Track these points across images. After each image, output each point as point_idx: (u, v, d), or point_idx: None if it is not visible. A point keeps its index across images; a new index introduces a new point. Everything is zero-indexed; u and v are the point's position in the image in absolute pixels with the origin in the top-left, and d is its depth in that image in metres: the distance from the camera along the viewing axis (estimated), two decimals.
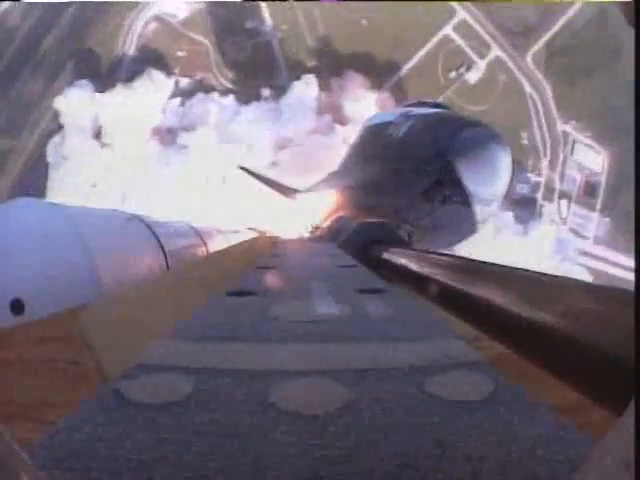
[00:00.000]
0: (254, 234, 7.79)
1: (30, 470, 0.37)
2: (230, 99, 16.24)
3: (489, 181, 4.99)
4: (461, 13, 17.97)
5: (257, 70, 16.59)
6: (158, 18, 16.06)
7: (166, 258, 3.26)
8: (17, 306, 2.08)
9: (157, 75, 16.07)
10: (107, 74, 16.69)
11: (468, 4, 17.81)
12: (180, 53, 15.99)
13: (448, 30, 18.23)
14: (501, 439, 0.51)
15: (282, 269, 1.94)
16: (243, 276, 1.65)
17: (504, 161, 4.99)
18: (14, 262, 2.24)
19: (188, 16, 15.91)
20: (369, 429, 0.53)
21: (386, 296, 1.28)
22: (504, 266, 1.52)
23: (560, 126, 17.97)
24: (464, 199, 5.06)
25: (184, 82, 16.19)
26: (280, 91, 16.59)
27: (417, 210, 5.34)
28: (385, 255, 3.05)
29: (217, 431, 0.53)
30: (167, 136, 15.80)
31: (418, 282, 1.95)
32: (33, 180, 16.63)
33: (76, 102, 16.21)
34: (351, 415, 0.57)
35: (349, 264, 2.07)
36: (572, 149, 18.50)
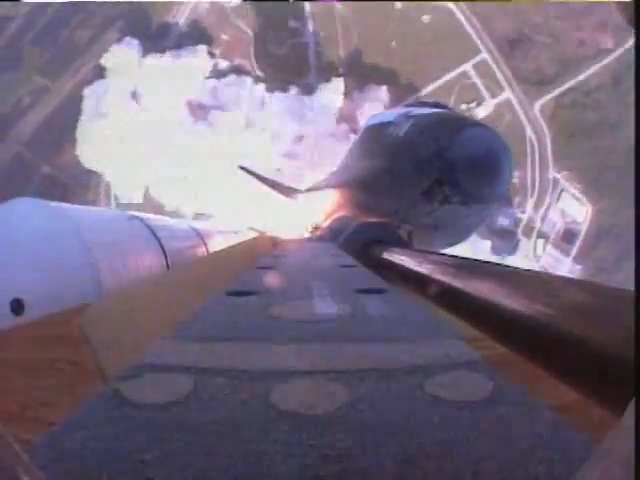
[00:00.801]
0: (254, 234, 7.79)
1: (30, 470, 0.37)
2: (261, 88, 17.21)
3: (489, 181, 4.98)
4: (483, 54, 18.69)
5: (290, 67, 17.57)
6: None
7: (166, 258, 3.26)
8: (17, 306, 2.08)
9: (201, 51, 16.91)
10: (155, 38, 17.36)
11: (491, 47, 18.17)
12: (224, 36, 17.14)
13: (468, 67, 19.10)
14: (501, 439, 0.51)
15: (282, 269, 1.94)
16: (243, 276, 1.65)
17: (504, 161, 4.99)
18: (14, 262, 2.24)
19: (239, 5, 17.08)
20: (369, 429, 0.53)
21: (386, 296, 1.28)
22: (504, 266, 1.52)
23: (552, 173, 18.55)
24: (464, 199, 5.05)
25: (223, 64, 17.22)
26: (308, 90, 17.54)
27: (417, 210, 5.33)
28: (385, 255, 3.05)
29: (217, 431, 0.53)
30: (198, 111, 16.48)
31: (418, 282, 1.95)
32: (62, 122, 16.97)
33: (121, 59, 16.83)
34: (351, 415, 0.57)
35: (349, 264, 2.07)
36: (559, 196, 19.11)
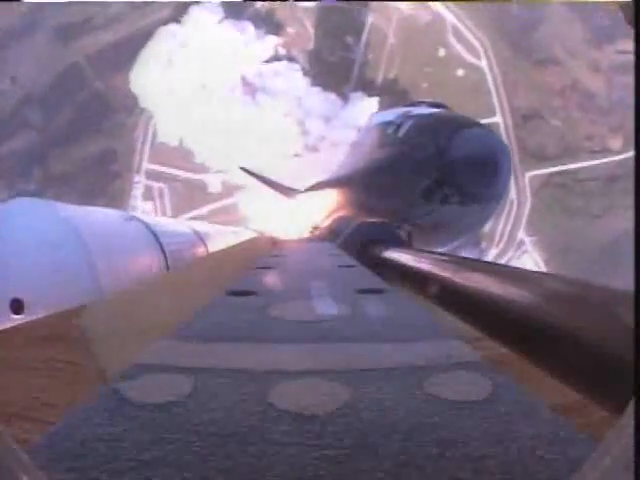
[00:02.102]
0: (254, 234, 7.79)
1: (30, 470, 0.37)
2: (305, 82, 18.31)
3: (488, 181, 4.99)
4: (497, 118, 18.74)
5: (335, 74, 18.67)
6: None
7: (166, 258, 3.26)
8: (17, 306, 2.08)
9: (268, 38, 18.14)
10: (236, 10, 18.23)
11: (507, 113, 18.52)
12: (290, 29, 18.56)
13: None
14: (501, 439, 0.51)
15: (282, 269, 1.94)
16: (243, 276, 1.65)
17: (503, 161, 4.99)
18: (14, 262, 2.24)
19: (311, 6, 18.58)
20: (369, 429, 0.53)
21: (386, 296, 1.28)
22: (504, 266, 1.52)
23: (522, 234, 18.65)
24: (464, 199, 5.06)
25: (281, 51, 18.54)
26: (344, 98, 18.56)
27: (417, 210, 5.34)
28: (385, 255, 3.05)
29: (217, 431, 0.53)
30: (247, 88, 17.60)
31: (418, 282, 1.95)
32: (127, 50, 17.57)
33: (199, 16, 17.69)
34: (351, 415, 0.56)
35: (349, 264, 2.07)
36: (520, 256, 19.14)
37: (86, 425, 0.53)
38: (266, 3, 18.28)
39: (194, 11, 17.58)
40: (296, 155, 17.14)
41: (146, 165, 17.09)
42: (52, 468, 0.45)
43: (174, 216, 15.93)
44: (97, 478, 0.44)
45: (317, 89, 18.25)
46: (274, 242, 5.00)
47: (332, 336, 0.91)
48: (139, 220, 3.46)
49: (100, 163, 17.55)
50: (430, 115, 5.76)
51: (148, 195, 17.08)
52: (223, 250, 4.07)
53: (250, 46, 17.78)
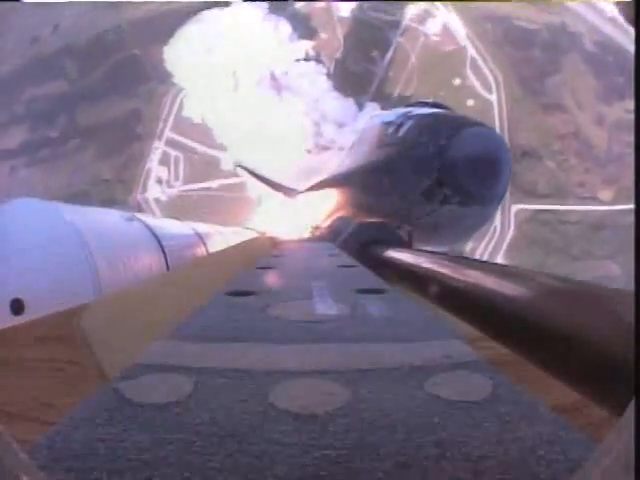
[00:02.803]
0: (254, 234, 7.79)
1: (30, 470, 0.37)
2: (327, 87, 19.05)
3: (489, 181, 4.98)
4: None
5: (357, 83, 19.46)
6: None
7: (166, 258, 3.26)
8: (17, 306, 2.08)
9: (302, 40, 19.03)
10: (279, 9, 19.02)
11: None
12: (323, 35, 19.45)
13: None
14: (501, 439, 0.51)
15: (282, 269, 1.94)
16: (243, 276, 1.65)
17: (503, 161, 4.99)
18: (14, 262, 2.24)
19: (346, 16, 19.56)
20: (369, 429, 0.53)
21: (386, 296, 1.28)
22: (504, 266, 1.52)
23: (500, 259, 18.98)
24: (464, 199, 5.06)
25: (311, 53, 19.30)
26: (360, 107, 19.28)
27: (417, 210, 5.34)
28: (385, 255, 3.05)
29: (217, 431, 0.53)
30: (274, 83, 18.31)
31: (418, 282, 1.95)
32: (168, 24, 18.13)
33: (245, 9, 18.47)
34: (351, 415, 0.57)
35: (349, 264, 2.07)
36: None
37: (86, 425, 0.53)
38: (306, 6, 19.12)
39: (238, 2, 18.39)
40: (308, 151, 17.95)
41: (168, 134, 17.85)
42: (52, 468, 0.45)
43: (186, 183, 17.01)
44: (97, 478, 0.44)
45: (337, 94, 19.04)
46: (274, 242, 5.00)
47: (332, 336, 0.91)
48: (139, 220, 3.46)
49: (124, 123, 18.14)
50: (430, 115, 5.76)
51: (164, 161, 17.83)
52: (223, 250, 4.07)
53: (284, 45, 18.64)
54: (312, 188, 10.52)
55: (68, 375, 0.96)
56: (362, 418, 0.56)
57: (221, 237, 5.50)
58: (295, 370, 0.72)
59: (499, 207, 6.01)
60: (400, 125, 5.68)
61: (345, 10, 19.43)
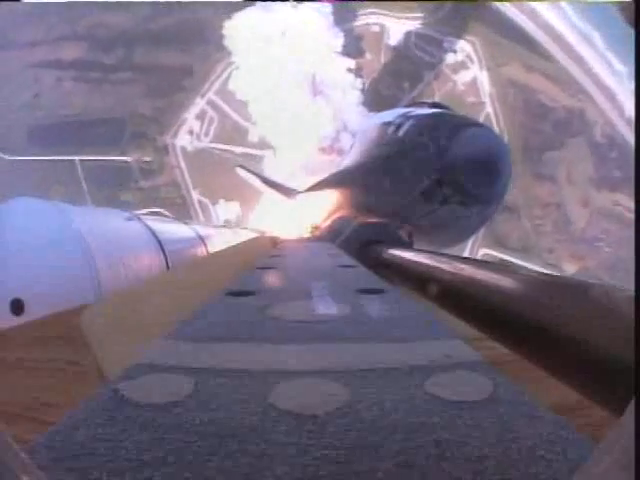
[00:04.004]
0: (254, 234, 7.79)
1: (30, 470, 0.37)
2: (356, 100, 20.22)
3: (489, 181, 4.98)
4: None
5: (382, 105, 20.37)
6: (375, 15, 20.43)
7: (166, 258, 3.26)
8: (17, 306, 2.08)
9: (348, 58, 20.12)
10: (332, 21, 20.06)
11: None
12: (368, 55, 20.78)
13: None
14: (501, 439, 0.51)
15: (282, 269, 1.94)
16: (243, 276, 1.65)
17: (503, 161, 4.98)
18: (14, 262, 2.24)
19: (393, 44, 20.78)
20: (369, 429, 0.53)
21: (386, 296, 1.28)
22: (504, 266, 1.52)
23: None
24: (464, 199, 5.05)
25: (351, 68, 20.27)
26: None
27: (417, 210, 5.33)
28: (385, 255, 3.05)
29: (217, 431, 0.53)
30: (313, 87, 19.57)
31: (418, 282, 1.95)
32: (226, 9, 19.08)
33: (308, 11, 19.45)
34: (351, 415, 0.57)
35: (349, 264, 2.07)
36: None
37: (86, 425, 0.53)
38: (361, 28, 20.36)
39: (308, 5, 19.45)
40: (322, 150, 19.28)
41: (210, 95, 19.39)
42: (52, 468, 0.45)
43: (213, 141, 18.78)
44: (97, 478, 0.44)
45: (362, 109, 20.16)
46: (274, 242, 5.00)
47: (332, 336, 0.91)
48: (139, 220, 3.46)
49: (175, 73, 19.47)
50: (430, 115, 5.75)
51: (200, 116, 19.49)
52: (223, 250, 4.07)
53: (333, 55, 20.04)
54: (312, 188, 10.52)
55: (68, 375, 0.96)
56: (362, 418, 0.56)
57: (221, 237, 5.50)
58: (295, 370, 0.72)
59: (499, 207, 6.01)
60: (400, 125, 5.67)
61: (394, 39, 20.94)
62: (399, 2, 20.00)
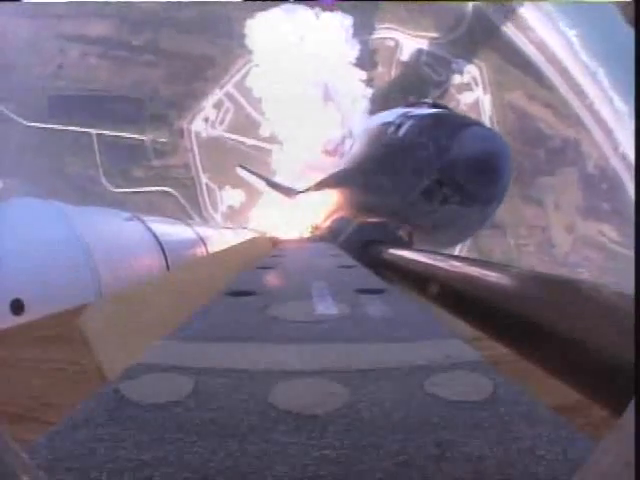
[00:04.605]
0: (254, 234, 7.79)
1: (30, 470, 0.37)
2: (364, 109, 21.03)
3: (489, 181, 4.98)
4: None
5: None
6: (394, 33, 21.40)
7: (166, 258, 3.26)
8: (17, 306, 2.08)
9: (361, 70, 20.84)
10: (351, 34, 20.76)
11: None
12: (380, 68, 21.63)
13: None
14: (501, 439, 0.51)
15: (282, 269, 1.94)
16: (243, 276, 1.65)
17: (503, 161, 4.98)
18: (14, 262, 2.24)
19: (405, 60, 21.66)
20: (369, 429, 0.53)
21: (386, 296, 1.28)
22: (504, 266, 1.51)
23: None
24: (464, 199, 5.05)
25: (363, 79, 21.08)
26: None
27: (417, 210, 5.33)
28: (385, 255, 3.05)
29: (217, 431, 0.53)
30: (325, 94, 20.57)
31: (418, 282, 1.95)
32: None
33: (329, 21, 20.30)
34: (351, 415, 0.57)
35: (349, 264, 2.07)
36: None
37: (86, 425, 0.53)
38: (377, 42, 21.11)
39: (330, 15, 20.32)
40: (326, 152, 20.07)
41: (228, 87, 20.42)
42: (52, 468, 0.45)
43: (226, 131, 19.87)
44: (97, 478, 0.44)
45: (368, 116, 20.76)
46: (274, 242, 5.00)
47: (332, 336, 0.91)
48: (139, 220, 3.46)
49: (198, 62, 20.28)
50: (430, 115, 5.75)
51: (217, 106, 20.58)
52: (223, 250, 4.06)
53: (347, 65, 20.88)
54: (312, 188, 10.52)
55: (68, 375, 0.96)
56: (362, 418, 0.56)
57: (221, 237, 5.50)
58: (295, 370, 0.72)
59: (499, 207, 6.01)
60: (400, 125, 5.67)
61: (406, 55, 21.88)
62: (414, 17, 20.79)
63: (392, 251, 2.98)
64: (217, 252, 4.13)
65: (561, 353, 0.87)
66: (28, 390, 0.88)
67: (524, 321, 1.02)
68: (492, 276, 1.34)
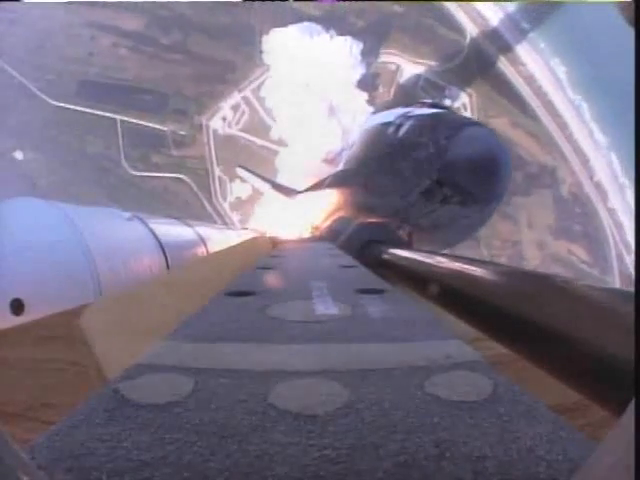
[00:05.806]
0: (254, 234, 7.79)
1: (30, 470, 0.37)
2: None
3: (488, 181, 4.98)
4: None
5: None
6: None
7: (166, 258, 3.26)
8: (17, 306, 2.08)
9: (363, 92, 21.94)
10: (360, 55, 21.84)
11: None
12: (381, 89, 22.55)
13: None
14: (501, 439, 0.51)
15: (282, 269, 1.94)
16: (243, 276, 1.65)
17: (503, 161, 4.99)
18: (14, 262, 2.24)
19: (403, 82, 22.48)
20: (369, 429, 0.53)
21: (386, 296, 1.28)
22: (504, 266, 1.51)
23: None
24: (464, 199, 5.06)
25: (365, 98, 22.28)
26: None
27: (417, 210, 5.34)
28: (385, 255, 3.05)
29: (217, 431, 0.53)
30: (329, 110, 21.81)
31: (418, 282, 1.95)
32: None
33: (341, 45, 21.43)
34: (351, 415, 0.56)
35: (349, 264, 2.07)
36: None
37: (86, 425, 0.53)
38: (380, 66, 22.06)
39: (342, 38, 21.54)
40: (326, 161, 21.08)
41: (247, 92, 21.84)
42: (52, 468, 0.45)
43: (240, 130, 21.33)
44: (97, 478, 0.44)
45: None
46: (274, 242, 5.00)
47: (332, 336, 0.91)
48: (139, 220, 3.46)
49: (221, 66, 21.54)
50: (430, 115, 5.75)
51: (234, 107, 22.08)
52: (223, 250, 4.06)
53: (351, 85, 21.96)
54: (312, 188, 10.52)
55: (68, 375, 0.96)
56: (362, 418, 0.56)
57: (221, 237, 5.50)
58: (295, 370, 0.72)
59: (498, 206, 6.02)
60: (400, 125, 5.68)
61: (405, 78, 22.88)
62: (416, 45, 21.66)
63: (392, 251, 2.98)
64: (217, 252, 4.13)
65: (561, 353, 0.87)
66: (28, 390, 0.88)
67: (524, 321, 1.02)
68: (492, 276, 1.34)
